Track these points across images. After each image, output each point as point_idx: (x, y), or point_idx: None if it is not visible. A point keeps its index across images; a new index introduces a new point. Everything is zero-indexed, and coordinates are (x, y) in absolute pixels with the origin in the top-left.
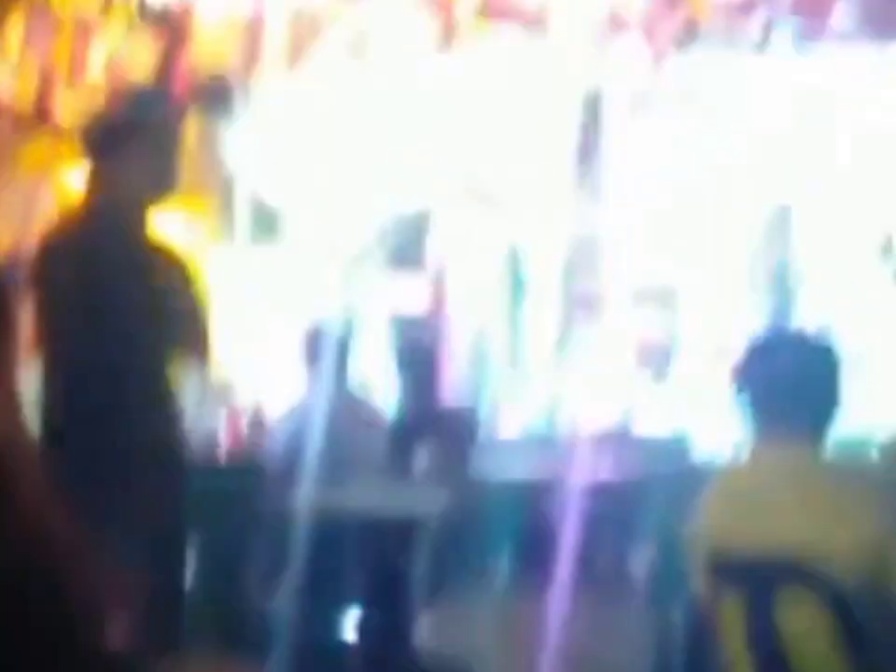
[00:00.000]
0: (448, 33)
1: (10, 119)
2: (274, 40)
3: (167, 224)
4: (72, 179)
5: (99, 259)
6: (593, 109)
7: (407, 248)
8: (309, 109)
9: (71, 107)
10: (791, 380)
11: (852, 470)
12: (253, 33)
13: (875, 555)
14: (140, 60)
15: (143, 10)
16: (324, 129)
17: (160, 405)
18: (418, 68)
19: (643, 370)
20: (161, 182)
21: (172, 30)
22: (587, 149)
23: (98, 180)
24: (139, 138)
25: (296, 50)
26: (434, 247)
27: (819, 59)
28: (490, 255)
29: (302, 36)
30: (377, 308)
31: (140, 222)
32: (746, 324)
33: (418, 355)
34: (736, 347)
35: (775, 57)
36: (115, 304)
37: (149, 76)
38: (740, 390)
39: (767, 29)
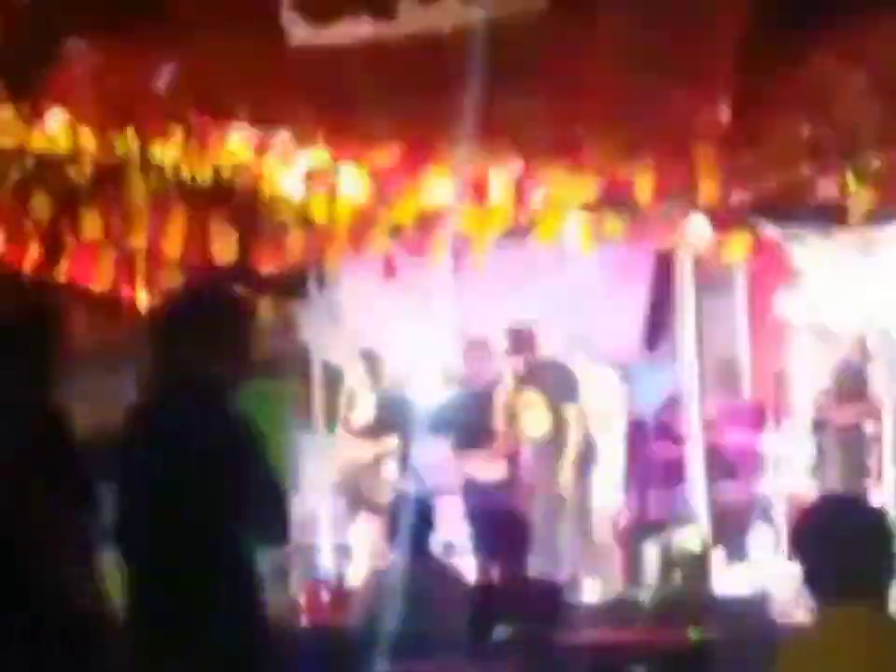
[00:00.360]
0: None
1: (90, 305)
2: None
3: (247, 404)
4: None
5: (177, 439)
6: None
7: (476, 422)
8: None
9: (148, 291)
10: (846, 549)
11: None
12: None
13: None
14: (218, 242)
15: (216, 193)
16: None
17: (238, 577)
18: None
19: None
20: (236, 364)
21: (249, 213)
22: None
23: (175, 362)
24: (214, 320)
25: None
26: (502, 420)
27: None
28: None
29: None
30: (453, 475)
31: (217, 403)
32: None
33: (495, 522)
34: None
35: None
36: (193, 483)
37: (228, 258)
38: (800, 558)
39: None
